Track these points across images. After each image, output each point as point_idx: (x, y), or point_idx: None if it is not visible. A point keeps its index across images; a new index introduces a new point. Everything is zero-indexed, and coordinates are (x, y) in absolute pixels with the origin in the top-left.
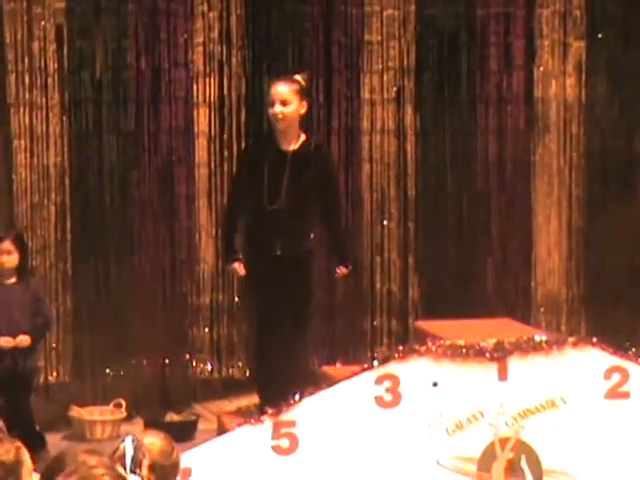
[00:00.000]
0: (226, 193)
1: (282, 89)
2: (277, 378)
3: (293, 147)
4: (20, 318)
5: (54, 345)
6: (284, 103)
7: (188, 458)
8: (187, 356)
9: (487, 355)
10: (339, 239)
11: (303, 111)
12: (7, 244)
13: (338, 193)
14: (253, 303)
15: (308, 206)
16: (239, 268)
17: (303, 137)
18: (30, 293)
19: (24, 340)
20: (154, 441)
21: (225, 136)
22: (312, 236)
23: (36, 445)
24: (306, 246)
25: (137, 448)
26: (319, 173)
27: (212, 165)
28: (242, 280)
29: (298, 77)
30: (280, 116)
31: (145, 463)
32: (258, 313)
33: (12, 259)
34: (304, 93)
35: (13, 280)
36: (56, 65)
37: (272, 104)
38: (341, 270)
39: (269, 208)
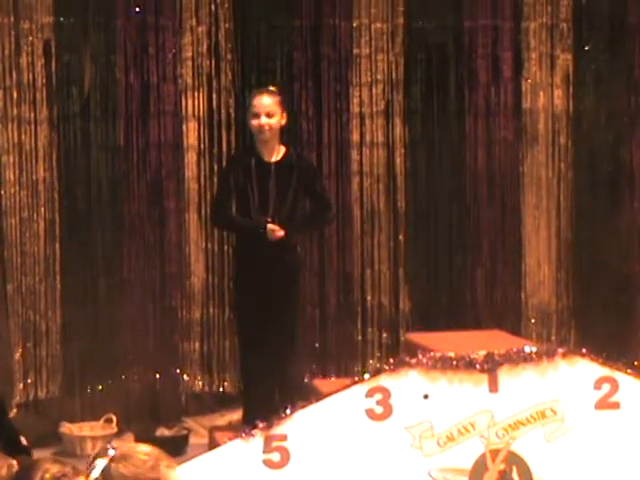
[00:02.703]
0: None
1: (267, 101)
2: (267, 395)
3: (275, 158)
4: None
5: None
6: (269, 115)
7: (179, 473)
8: (178, 370)
9: (477, 367)
10: (308, 216)
11: (284, 122)
12: None
13: (326, 194)
14: (241, 317)
15: (295, 217)
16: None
17: (283, 149)
18: None
19: None
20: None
21: (214, 150)
22: (299, 250)
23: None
24: (294, 259)
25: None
26: (304, 182)
27: (202, 179)
28: (232, 294)
29: (273, 88)
30: (267, 127)
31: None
32: (246, 327)
33: None
34: (283, 105)
35: None
36: (44, 80)
37: (257, 116)
38: (273, 227)
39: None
